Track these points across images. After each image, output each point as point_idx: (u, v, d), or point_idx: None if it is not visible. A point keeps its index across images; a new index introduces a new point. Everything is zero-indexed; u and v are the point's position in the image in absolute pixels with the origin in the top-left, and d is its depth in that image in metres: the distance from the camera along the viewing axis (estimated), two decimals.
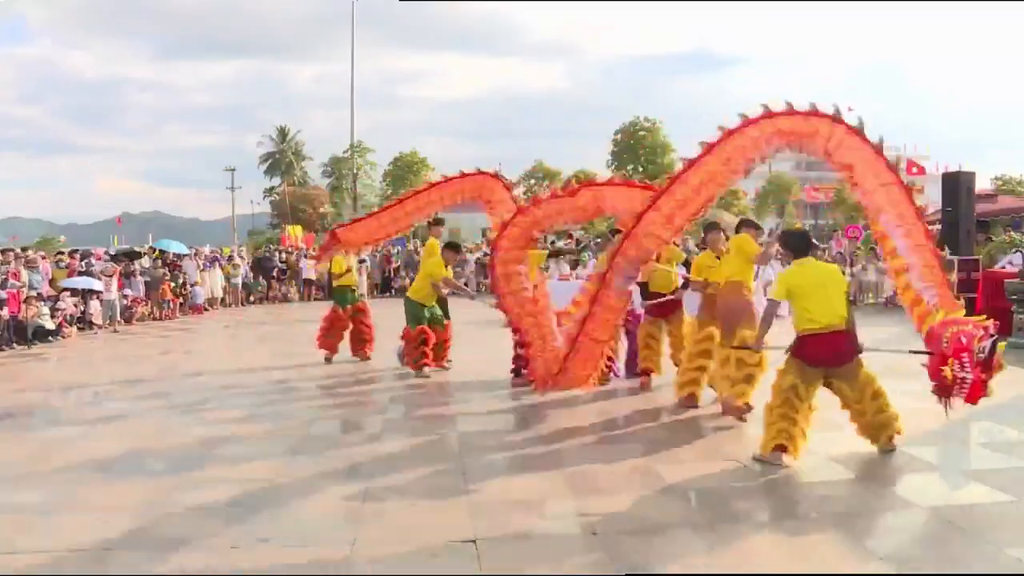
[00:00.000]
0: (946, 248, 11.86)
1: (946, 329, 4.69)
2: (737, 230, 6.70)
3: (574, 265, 16.08)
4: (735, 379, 6.12)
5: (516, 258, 7.46)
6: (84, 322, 14.55)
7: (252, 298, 21.29)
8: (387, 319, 10.85)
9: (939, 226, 14.00)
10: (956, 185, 14.08)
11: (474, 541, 3.84)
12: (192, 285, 18.44)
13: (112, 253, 19.33)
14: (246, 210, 59.32)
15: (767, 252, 6.56)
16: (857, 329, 5.17)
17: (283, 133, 58.07)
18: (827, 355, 5.00)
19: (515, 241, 7.43)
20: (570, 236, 20.76)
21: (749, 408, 6.11)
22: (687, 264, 8.07)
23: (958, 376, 4.58)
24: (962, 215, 13.82)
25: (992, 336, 4.66)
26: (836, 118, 5.62)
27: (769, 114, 5.80)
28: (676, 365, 7.69)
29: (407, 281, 22.13)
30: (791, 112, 5.74)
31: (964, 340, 4.60)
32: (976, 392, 4.63)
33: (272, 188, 55.82)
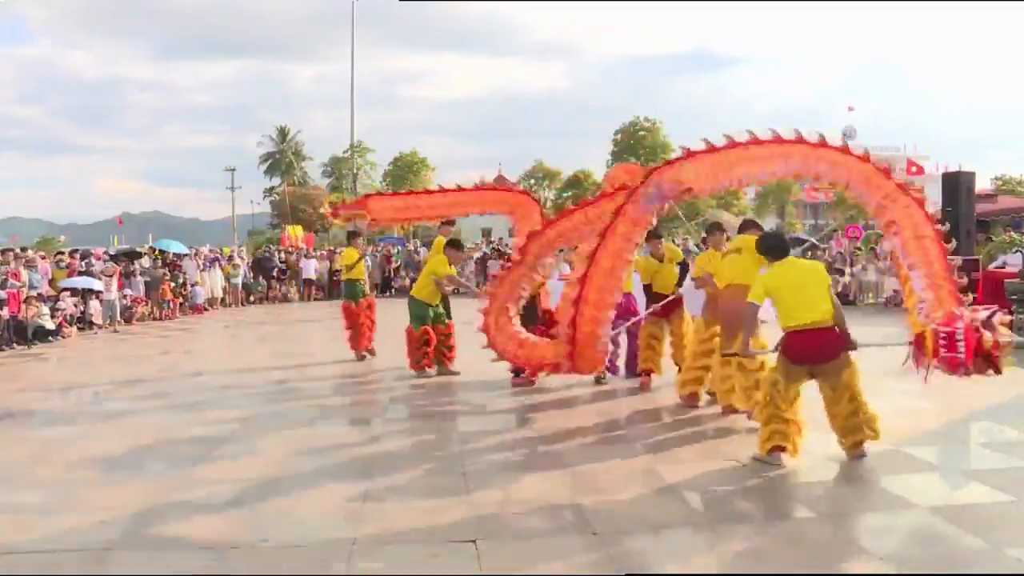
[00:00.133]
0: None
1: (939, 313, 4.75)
2: (741, 230, 6.58)
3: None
4: (746, 388, 6.07)
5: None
6: (84, 322, 14.55)
7: (252, 298, 21.30)
8: (387, 319, 10.86)
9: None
10: (956, 185, 14.08)
11: (474, 541, 3.84)
12: (192, 285, 18.45)
13: (112, 253, 19.33)
14: (246, 210, 59.41)
15: None
16: (851, 327, 5.14)
17: (283, 133, 58.13)
18: (811, 352, 4.96)
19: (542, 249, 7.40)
20: None
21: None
22: (684, 265, 8.06)
23: (940, 335, 4.59)
24: (962, 215, 13.82)
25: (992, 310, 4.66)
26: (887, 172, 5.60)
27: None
28: (677, 365, 7.69)
29: (407, 281, 22.19)
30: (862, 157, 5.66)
31: (956, 313, 4.64)
32: (960, 360, 4.57)
33: (272, 188, 55.88)
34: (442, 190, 9.56)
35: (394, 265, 23.53)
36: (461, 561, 3.64)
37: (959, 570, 3.50)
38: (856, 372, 5.05)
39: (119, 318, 15.37)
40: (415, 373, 8.58)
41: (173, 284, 17.51)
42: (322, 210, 11.43)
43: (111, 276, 15.44)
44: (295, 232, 30.54)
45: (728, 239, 7.09)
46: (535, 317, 8.03)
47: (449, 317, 9.11)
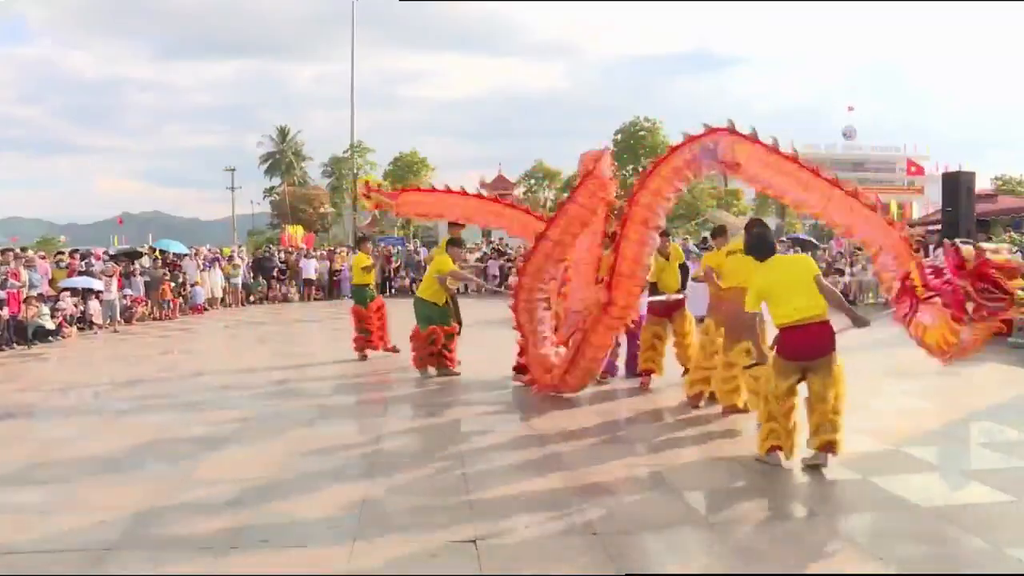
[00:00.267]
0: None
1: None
2: (748, 231, 6.51)
3: None
4: (753, 389, 6.06)
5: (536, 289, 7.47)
6: (84, 322, 14.54)
7: (252, 298, 21.29)
8: (388, 319, 10.85)
9: (939, 226, 14.02)
10: (956, 185, 14.11)
11: (474, 541, 3.84)
12: (192, 285, 18.45)
13: (112, 253, 19.32)
14: (246, 210, 59.41)
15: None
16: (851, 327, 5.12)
17: (283, 133, 58.09)
18: (803, 348, 4.91)
19: (536, 274, 7.41)
20: None
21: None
22: (684, 268, 8.03)
23: (926, 266, 4.65)
24: (962, 215, 13.84)
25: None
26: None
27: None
28: (681, 364, 7.71)
29: (407, 281, 22.20)
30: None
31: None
32: (950, 285, 4.56)
33: (272, 188, 55.86)
34: (479, 196, 9.60)
35: (394, 265, 23.52)
36: (461, 561, 3.64)
37: (959, 570, 3.50)
38: (843, 372, 4.96)
39: (119, 318, 15.36)
40: (418, 371, 8.58)
41: (173, 284, 17.50)
42: (359, 185, 11.49)
43: (111, 276, 15.43)
44: (295, 232, 30.56)
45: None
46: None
47: (458, 320, 9.10)
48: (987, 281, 4.50)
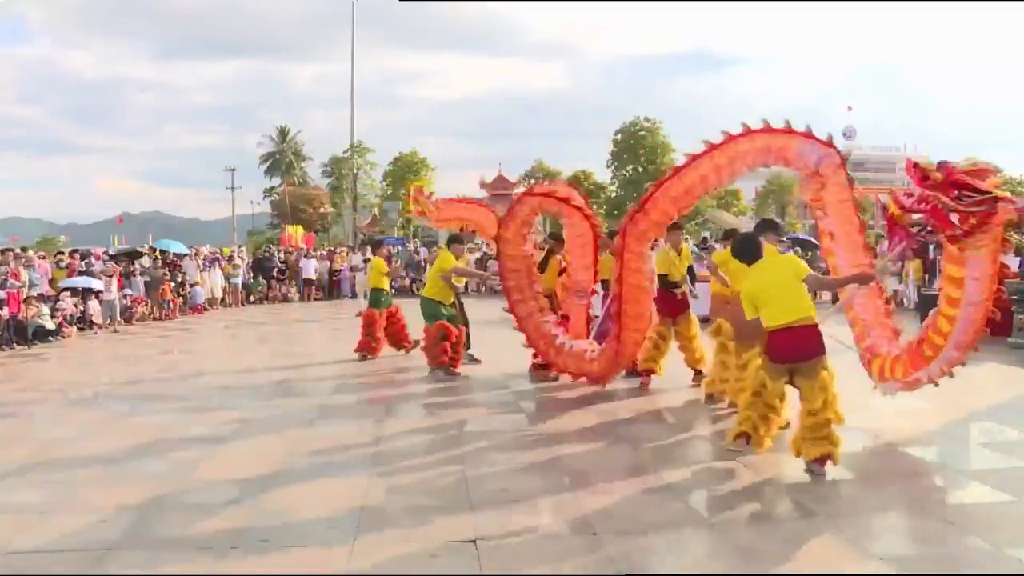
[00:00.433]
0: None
1: None
2: (757, 231, 6.45)
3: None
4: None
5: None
6: (84, 322, 14.54)
7: (252, 298, 21.29)
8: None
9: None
10: None
11: (474, 541, 3.84)
12: (192, 285, 18.44)
13: (112, 253, 19.31)
14: (246, 210, 59.37)
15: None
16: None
17: (283, 133, 58.07)
18: (789, 351, 4.91)
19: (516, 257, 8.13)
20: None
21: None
22: (691, 271, 8.00)
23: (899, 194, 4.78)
24: None
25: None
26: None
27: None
28: (688, 366, 7.72)
29: (407, 281, 22.18)
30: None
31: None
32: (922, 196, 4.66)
33: (272, 188, 55.83)
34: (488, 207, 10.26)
35: (394, 265, 23.51)
36: (461, 561, 3.64)
37: (959, 570, 3.50)
38: (833, 377, 4.93)
39: (119, 318, 15.36)
40: (431, 371, 8.55)
41: (173, 284, 17.50)
42: (412, 188, 11.95)
43: (111, 276, 15.43)
44: (295, 232, 30.55)
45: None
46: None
47: (465, 323, 9.11)
48: (960, 187, 4.48)
